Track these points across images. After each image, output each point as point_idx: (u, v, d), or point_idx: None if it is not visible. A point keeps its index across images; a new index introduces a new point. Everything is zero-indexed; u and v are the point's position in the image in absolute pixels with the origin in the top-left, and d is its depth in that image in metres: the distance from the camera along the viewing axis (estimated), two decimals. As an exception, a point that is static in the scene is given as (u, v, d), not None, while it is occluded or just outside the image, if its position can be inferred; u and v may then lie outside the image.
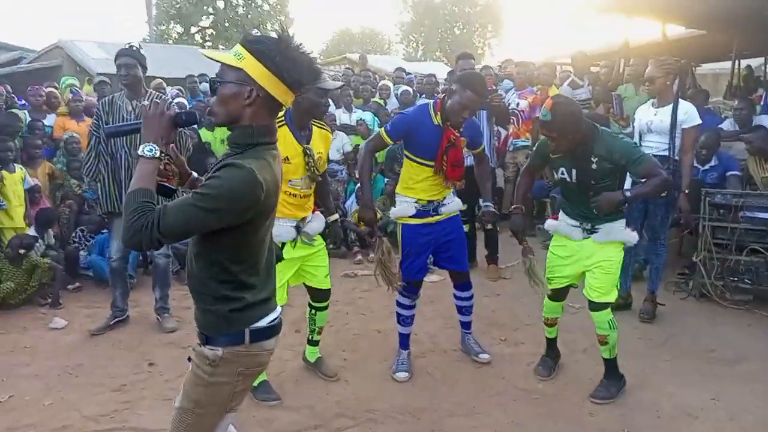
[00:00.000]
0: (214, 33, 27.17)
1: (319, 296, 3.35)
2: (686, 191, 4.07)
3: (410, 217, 3.39)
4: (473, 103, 3.18)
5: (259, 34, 1.84)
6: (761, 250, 4.22)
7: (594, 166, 2.97)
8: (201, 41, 26.68)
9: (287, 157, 2.87)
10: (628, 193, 2.99)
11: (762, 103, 6.59)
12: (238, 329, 1.75)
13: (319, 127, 3.14)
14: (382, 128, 3.42)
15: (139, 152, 1.66)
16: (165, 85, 7.45)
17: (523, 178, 3.41)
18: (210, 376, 1.74)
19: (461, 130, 3.29)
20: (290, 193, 2.99)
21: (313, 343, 3.51)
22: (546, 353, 3.49)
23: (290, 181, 2.96)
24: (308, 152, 2.98)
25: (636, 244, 3.25)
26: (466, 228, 4.35)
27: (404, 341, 3.55)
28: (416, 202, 3.38)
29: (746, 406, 3.08)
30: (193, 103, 7.23)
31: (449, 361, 3.63)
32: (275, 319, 1.84)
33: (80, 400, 3.18)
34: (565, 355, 3.58)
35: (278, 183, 1.74)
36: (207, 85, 8.02)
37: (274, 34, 1.71)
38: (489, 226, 5.12)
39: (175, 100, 7.02)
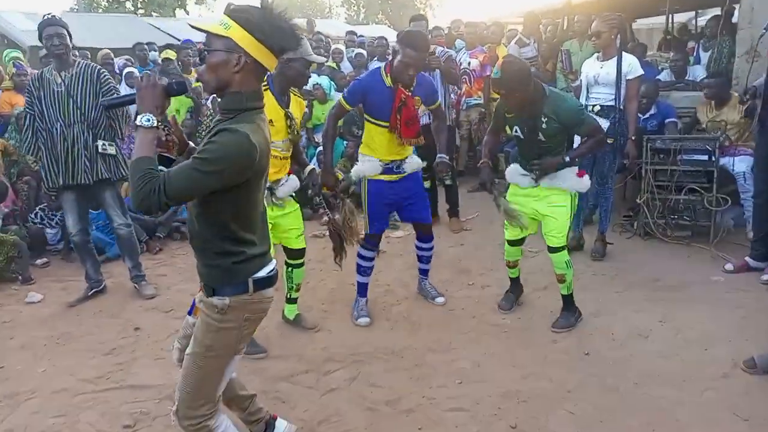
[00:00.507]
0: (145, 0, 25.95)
1: (293, 254, 3.51)
2: (633, 138, 4.40)
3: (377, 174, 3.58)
4: (414, 60, 3.31)
5: (243, 4, 1.95)
6: (698, 189, 4.62)
7: (543, 125, 3.25)
8: (133, 9, 25.44)
9: (271, 120, 2.99)
10: (567, 158, 3.31)
11: (694, 54, 7.00)
12: (242, 279, 1.91)
13: (295, 95, 3.28)
14: (341, 96, 3.61)
15: (138, 122, 1.77)
16: (113, 55, 7.25)
17: (488, 137, 3.68)
18: (220, 322, 1.91)
19: (413, 88, 3.45)
20: (272, 155, 3.12)
21: (291, 301, 3.68)
22: (510, 289, 3.82)
23: (272, 143, 3.08)
24: (290, 115, 3.14)
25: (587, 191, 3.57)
26: (427, 184, 4.61)
27: (363, 290, 3.79)
28: (380, 161, 3.57)
29: (689, 323, 3.47)
30: (143, 72, 7.08)
31: (424, 306, 3.89)
32: (273, 269, 2.01)
33: (74, 365, 3.26)
34: (528, 293, 3.91)
35: (269, 145, 1.89)
36: (156, 53, 7.88)
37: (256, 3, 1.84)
38: (448, 181, 5.37)
39: (126, 70, 6.89)
